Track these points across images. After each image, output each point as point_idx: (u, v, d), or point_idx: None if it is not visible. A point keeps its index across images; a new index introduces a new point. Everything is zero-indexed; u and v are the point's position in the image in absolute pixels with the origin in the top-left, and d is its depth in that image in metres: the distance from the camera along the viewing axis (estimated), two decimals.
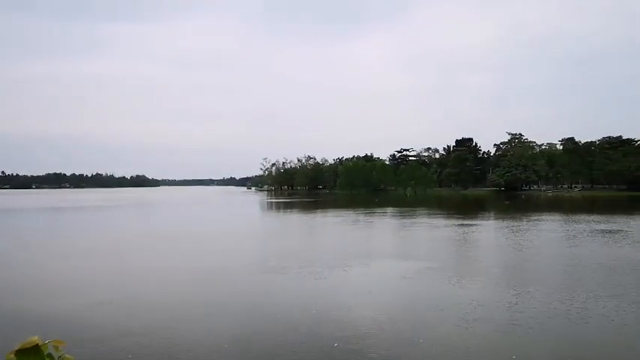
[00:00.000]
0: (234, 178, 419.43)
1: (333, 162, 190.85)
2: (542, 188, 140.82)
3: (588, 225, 32.27)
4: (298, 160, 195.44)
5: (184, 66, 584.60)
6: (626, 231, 28.03)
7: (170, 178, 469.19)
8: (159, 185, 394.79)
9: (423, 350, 8.69)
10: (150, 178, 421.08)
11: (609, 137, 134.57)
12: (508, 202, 74.05)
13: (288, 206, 68.75)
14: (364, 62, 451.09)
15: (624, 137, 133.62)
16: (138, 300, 12.72)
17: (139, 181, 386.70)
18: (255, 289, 13.84)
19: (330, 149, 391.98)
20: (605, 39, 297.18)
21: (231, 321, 10.69)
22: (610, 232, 27.88)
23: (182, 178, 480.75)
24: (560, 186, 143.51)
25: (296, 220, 44.52)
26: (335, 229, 33.29)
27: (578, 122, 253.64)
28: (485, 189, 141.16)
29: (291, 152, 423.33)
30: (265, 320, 10.64)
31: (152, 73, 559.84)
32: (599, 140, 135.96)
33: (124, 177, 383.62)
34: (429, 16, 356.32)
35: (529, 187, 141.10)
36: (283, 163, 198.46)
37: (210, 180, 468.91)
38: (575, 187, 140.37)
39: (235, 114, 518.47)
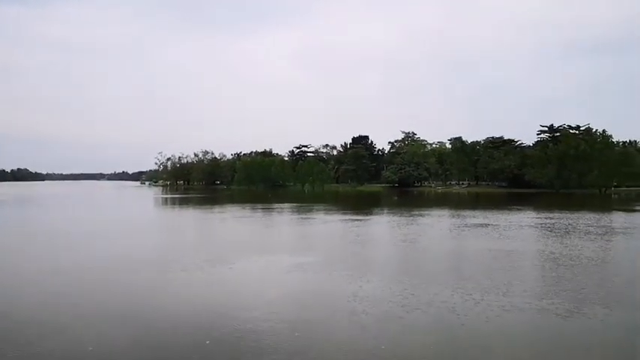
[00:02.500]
0: (127, 173, 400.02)
1: (231, 157, 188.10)
2: (433, 185, 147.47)
3: (464, 220, 33.64)
4: (195, 155, 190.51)
5: (75, 54, 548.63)
6: (496, 225, 29.22)
7: (56, 172, 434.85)
8: (43, 180, 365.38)
9: (298, 342, 8.44)
10: (33, 172, 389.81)
11: (492, 137, 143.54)
12: (396, 198, 76.39)
13: (179, 202, 66.17)
14: (264, 58, 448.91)
15: (505, 138, 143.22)
16: None
17: (21, 175, 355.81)
18: (131, 289, 12.81)
19: (229, 144, 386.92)
20: (494, 44, 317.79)
21: (101, 322, 9.73)
22: (482, 225, 29.00)
23: (70, 172, 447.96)
24: (449, 182, 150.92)
25: (183, 216, 42.75)
26: (224, 225, 32.33)
27: (466, 122, 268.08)
28: (380, 185, 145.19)
29: (188, 147, 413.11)
30: (137, 319, 10.01)
31: (37, 60, 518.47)
32: (483, 140, 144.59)
33: (3, 170, 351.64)
34: (331, 16, 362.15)
35: (421, 184, 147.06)
36: (179, 157, 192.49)
37: (101, 174, 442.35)
38: (463, 183, 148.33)
39: (129, 106, 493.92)
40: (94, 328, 9.36)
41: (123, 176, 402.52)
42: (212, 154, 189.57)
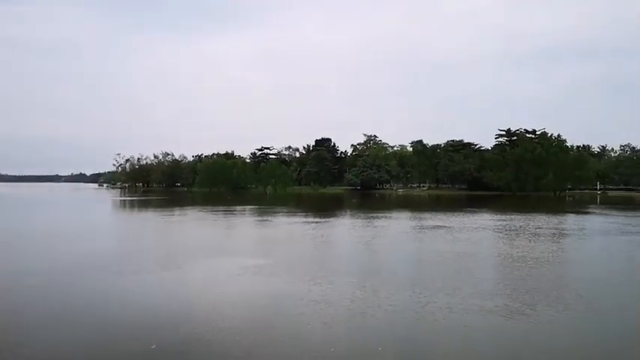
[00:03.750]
0: (85, 175, 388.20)
1: (192, 159, 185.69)
2: (394, 187, 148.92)
3: (421, 222, 33.96)
4: (155, 157, 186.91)
5: (25, 51, 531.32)
6: (451, 227, 29.56)
7: (3, 173, 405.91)
8: None
9: (245, 346, 8.30)
10: None
11: (453, 141, 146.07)
12: (356, 201, 76.87)
13: (136, 204, 64.70)
14: (225, 59, 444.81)
15: (465, 141, 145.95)
16: None
17: None
18: (73, 293, 12.34)
19: (190, 146, 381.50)
20: (454, 49, 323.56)
21: (38, 327, 9.26)
22: (438, 227, 29.30)
23: (20, 174, 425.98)
24: (410, 185, 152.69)
25: (139, 218, 41.80)
26: (181, 227, 31.72)
27: (427, 126, 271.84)
28: (343, 187, 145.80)
29: (147, 148, 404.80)
30: (77, 324, 9.62)
31: None
32: (444, 143, 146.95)
33: None
34: (294, 18, 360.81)
35: (382, 186, 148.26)
36: (138, 159, 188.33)
37: (58, 176, 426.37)
38: (423, 186, 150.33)
39: (87, 107, 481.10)
40: (28, 332, 8.94)
41: (80, 178, 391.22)
42: (172, 155, 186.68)
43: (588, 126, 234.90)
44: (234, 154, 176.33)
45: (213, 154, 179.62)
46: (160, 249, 20.83)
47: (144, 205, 62.47)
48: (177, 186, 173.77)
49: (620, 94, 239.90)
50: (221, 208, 51.15)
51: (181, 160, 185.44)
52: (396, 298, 11.44)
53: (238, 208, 51.74)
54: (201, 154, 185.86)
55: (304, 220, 35.95)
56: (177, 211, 47.17)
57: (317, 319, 9.81)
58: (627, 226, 31.48)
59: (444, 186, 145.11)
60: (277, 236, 26.00)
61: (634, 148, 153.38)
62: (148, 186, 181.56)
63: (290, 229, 29.16)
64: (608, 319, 10.02)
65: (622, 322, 9.83)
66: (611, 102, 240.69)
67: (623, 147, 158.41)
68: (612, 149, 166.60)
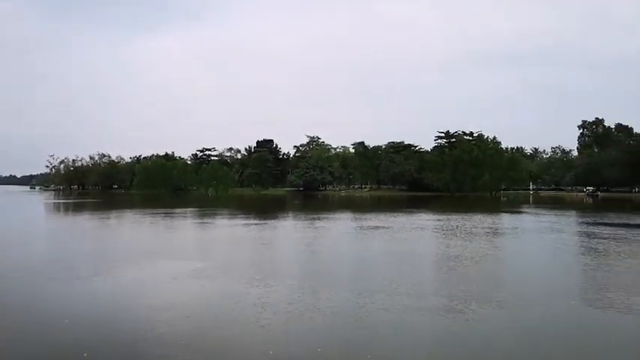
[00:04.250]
0: (15, 177, 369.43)
1: (130, 160, 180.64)
2: (337, 188, 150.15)
3: (362, 222, 34.27)
4: (90, 158, 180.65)
5: None
6: (390, 227, 29.95)
7: None
8: None
9: (181, 350, 8.00)
10: None
11: (394, 142, 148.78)
12: (297, 202, 76.95)
13: (70, 207, 62.06)
14: (166, 57, 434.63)
15: (406, 143, 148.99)
16: None
17: None
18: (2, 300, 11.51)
19: (127, 147, 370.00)
20: (396, 52, 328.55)
21: None
22: (378, 228, 29.59)
23: None
24: (352, 186, 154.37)
25: (70, 222, 39.94)
26: (114, 231, 30.60)
27: (369, 127, 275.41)
28: (285, 189, 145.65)
29: (83, 149, 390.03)
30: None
31: None
32: (385, 145, 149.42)
33: None
34: (236, 17, 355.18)
35: (325, 187, 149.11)
36: (73, 160, 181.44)
37: None
38: (365, 187, 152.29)
39: (20, 107, 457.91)
40: None
41: (11, 180, 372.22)
42: (109, 157, 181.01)
43: (521, 128, 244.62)
44: (175, 155, 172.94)
45: (153, 155, 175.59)
46: (91, 254, 19.89)
47: (78, 207, 60.04)
48: (115, 188, 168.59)
49: (552, 97, 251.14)
50: (160, 210, 49.79)
51: (119, 162, 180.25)
52: (335, 299, 11.34)
53: (178, 210, 50.55)
54: (140, 155, 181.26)
55: (245, 222, 35.50)
56: (113, 214, 45.57)
57: (255, 322, 9.58)
58: (556, 224, 32.86)
59: (385, 187, 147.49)
60: (216, 239, 25.53)
61: (564, 150, 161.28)
62: (83, 188, 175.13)
63: (230, 232, 28.70)
64: (538, 315, 10.28)
65: (551, 318, 10.10)
66: (543, 105, 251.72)
67: (554, 149, 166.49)
68: (544, 151, 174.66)
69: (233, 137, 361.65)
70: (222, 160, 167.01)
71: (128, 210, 52.52)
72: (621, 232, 26.67)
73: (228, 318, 9.98)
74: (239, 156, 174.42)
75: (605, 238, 23.44)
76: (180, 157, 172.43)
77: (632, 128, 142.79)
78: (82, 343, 8.48)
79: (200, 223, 35.45)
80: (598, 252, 19.24)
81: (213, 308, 10.84)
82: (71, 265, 16.18)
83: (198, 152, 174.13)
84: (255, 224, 33.23)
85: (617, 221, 34.33)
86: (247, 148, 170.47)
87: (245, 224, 33.14)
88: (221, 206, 60.91)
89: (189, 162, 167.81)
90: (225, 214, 44.53)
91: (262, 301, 11.10)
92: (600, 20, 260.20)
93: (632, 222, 33.59)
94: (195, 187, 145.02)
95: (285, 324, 9.57)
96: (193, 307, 10.91)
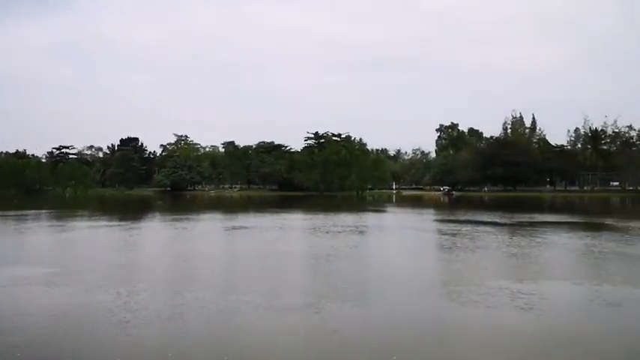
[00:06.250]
0: None
1: None
2: (206, 188, 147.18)
3: (226, 222, 33.77)
4: None
5: None
6: (257, 227, 29.82)
7: None
8: None
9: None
10: None
11: (264, 142, 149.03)
12: (160, 202, 74.59)
13: None
14: (17, 50, 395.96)
15: (276, 143, 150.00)
16: None
17: None
18: None
19: None
20: (269, 51, 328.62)
21: None
22: (243, 227, 29.27)
23: None
24: (222, 186, 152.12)
25: None
26: None
27: (239, 127, 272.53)
28: (151, 189, 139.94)
29: None
30: None
31: None
32: (255, 145, 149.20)
33: None
34: (96, 10, 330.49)
35: (194, 187, 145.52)
36: None
37: None
38: (235, 187, 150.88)
39: None
40: None
41: None
42: None
43: (385, 131, 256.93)
44: (27, 153, 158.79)
45: (1, 152, 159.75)
46: None
47: None
48: None
49: (414, 102, 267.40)
50: (9, 213, 45.05)
51: None
52: (181, 301, 10.73)
53: (30, 212, 45.98)
54: None
55: (103, 223, 33.20)
56: None
57: (102, 329, 8.82)
58: (422, 222, 34.92)
59: (256, 187, 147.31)
60: (67, 242, 23.42)
61: (423, 151, 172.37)
62: None
63: (83, 235, 26.57)
64: (392, 310, 10.55)
65: (410, 314, 10.40)
66: (406, 109, 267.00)
67: (414, 150, 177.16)
68: (406, 152, 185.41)
69: (94, 135, 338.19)
70: (81, 159, 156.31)
71: None
72: (466, 228, 28.76)
73: (70, 327, 9.08)
74: (101, 154, 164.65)
75: (454, 235, 25.15)
76: (33, 155, 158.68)
77: (482, 132, 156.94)
78: None
79: (53, 225, 32.44)
80: (444, 247, 20.55)
81: (55, 317, 9.78)
82: None
83: (54, 150, 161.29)
84: (114, 226, 31.24)
85: (463, 218, 37.08)
86: (110, 146, 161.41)
87: (104, 226, 30.98)
88: (80, 207, 56.88)
89: (44, 160, 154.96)
90: (83, 216, 41.49)
91: (109, 307, 10.23)
92: (457, 31, 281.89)
93: (477, 219, 36.48)
94: (51, 188, 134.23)
95: (136, 329, 8.80)
96: (34, 318, 9.72)
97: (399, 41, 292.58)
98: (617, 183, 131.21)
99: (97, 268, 15.50)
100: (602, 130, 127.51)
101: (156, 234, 27.35)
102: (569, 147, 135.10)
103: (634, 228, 28.35)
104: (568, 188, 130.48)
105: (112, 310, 10.09)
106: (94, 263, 16.75)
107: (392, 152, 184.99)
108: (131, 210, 55.40)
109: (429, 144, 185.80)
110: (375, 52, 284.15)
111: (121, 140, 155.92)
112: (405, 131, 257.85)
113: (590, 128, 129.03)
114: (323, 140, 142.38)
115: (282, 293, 11.77)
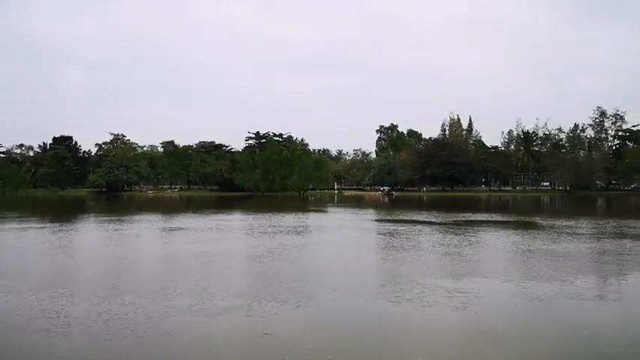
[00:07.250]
0: None
1: None
2: (144, 189, 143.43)
3: (161, 223, 33.01)
4: None
5: None
6: (193, 228, 29.23)
7: None
8: None
9: None
10: None
11: (205, 142, 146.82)
12: (93, 203, 72.29)
13: None
14: None
15: (217, 143, 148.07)
16: None
17: None
18: None
19: None
20: (204, 51, 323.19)
21: None
22: (179, 229, 28.56)
23: None
24: (161, 186, 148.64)
25: None
26: None
27: (178, 126, 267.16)
28: (86, 190, 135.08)
29: None
30: None
31: None
32: (196, 145, 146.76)
33: None
34: (27, 4, 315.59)
35: (131, 188, 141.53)
36: None
37: None
38: (175, 187, 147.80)
39: None
40: None
41: None
42: None
43: (327, 131, 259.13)
44: None
45: None
46: None
47: None
48: None
49: (355, 103, 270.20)
50: None
51: None
52: (107, 307, 10.24)
53: None
54: None
55: (28, 225, 31.48)
56: None
57: (21, 339, 8.26)
58: (360, 221, 35.18)
59: (196, 187, 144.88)
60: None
61: (364, 152, 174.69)
62: None
63: (5, 237, 25.09)
64: (333, 311, 10.48)
65: (345, 314, 10.32)
66: (348, 110, 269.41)
67: (355, 151, 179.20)
68: (347, 153, 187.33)
69: (24, 134, 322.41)
70: (10, 158, 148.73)
71: None
72: (403, 228, 29.19)
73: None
74: (32, 153, 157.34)
75: (392, 234, 25.45)
76: None
77: (421, 134, 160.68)
78: None
79: None
80: (381, 247, 20.74)
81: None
82: None
83: None
84: (36, 228, 29.66)
85: (401, 218, 37.70)
86: (42, 145, 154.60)
87: (30, 227, 29.36)
88: (7, 209, 53.94)
89: None
90: (9, 218, 39.27)
91: (27, 313, 9.62)
92: (399, 33, 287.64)
93: (414, 219, 37.15)
94: None
95: (64, 333, 8.33)
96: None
97: (343, 42, 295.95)
98: (547, 183, 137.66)
99: (17, 273, 14.62)
100: (533, 132, 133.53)
101: (85, 236, 26.22)
102: (503, 148, 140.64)
103: (559, 226, 29.60)
104: (502, 188, 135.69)
105: (31, 318, 9.49)
106: (14, 267, 15.81)
107: (334, 153, 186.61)
108: (62, 211, 53.16)
109: (369, 145, 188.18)
110: (317, 53, 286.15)
111: (54, 139, 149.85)
112: (347, 132, 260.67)
113: (522, 130, 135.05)
114: (264, 140, 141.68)
115: (214, 295, 11.44)
